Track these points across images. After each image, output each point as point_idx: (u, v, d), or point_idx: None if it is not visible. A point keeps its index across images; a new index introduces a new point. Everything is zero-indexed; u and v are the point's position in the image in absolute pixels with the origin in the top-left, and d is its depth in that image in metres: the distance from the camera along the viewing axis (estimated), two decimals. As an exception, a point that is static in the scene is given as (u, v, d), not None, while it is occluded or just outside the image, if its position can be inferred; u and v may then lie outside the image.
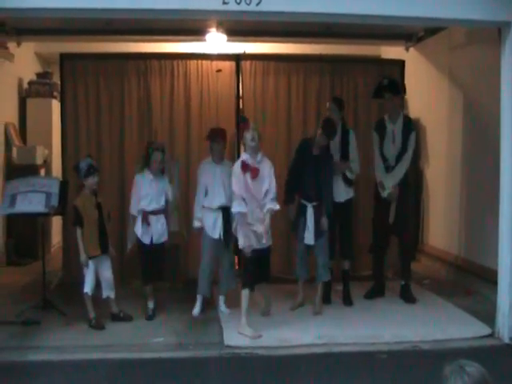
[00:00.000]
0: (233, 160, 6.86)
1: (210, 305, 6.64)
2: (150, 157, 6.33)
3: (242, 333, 5.81)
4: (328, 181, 6.56)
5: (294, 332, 5.91)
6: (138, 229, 6.34)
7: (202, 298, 6.44)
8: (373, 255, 7.31)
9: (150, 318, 6.37)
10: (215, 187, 6.38)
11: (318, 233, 6.44)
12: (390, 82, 7.08)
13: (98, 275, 6.18)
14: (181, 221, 7.04)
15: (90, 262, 6.09)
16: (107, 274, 6.24)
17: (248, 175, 5.86)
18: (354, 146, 6.92)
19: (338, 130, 6.82)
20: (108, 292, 6.25)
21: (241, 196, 5.83)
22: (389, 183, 6.95)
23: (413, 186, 7.40)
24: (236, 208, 5.86)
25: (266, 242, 5.90)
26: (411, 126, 7.08)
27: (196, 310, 6.41)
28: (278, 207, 5.97)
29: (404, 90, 7.15)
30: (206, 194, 6.41)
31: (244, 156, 6.02)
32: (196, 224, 6.48)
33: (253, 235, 5.88)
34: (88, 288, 6.09)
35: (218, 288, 6.71)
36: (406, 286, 7.11)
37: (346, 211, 6.92)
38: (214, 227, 6.40)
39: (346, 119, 7.21)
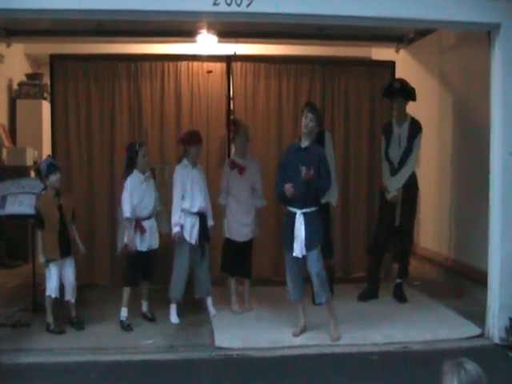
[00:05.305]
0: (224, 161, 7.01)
1: (200, 307, 6.61)
2: (137, 154, 6.14)
3: (232, 310, 6.60)
4: (326, 170, 5.73)
5: (285, 333, 5.90)
6: (130, 236, 6.09)
7: (176, 305, 6.39)
8: (371, 256, 7.28)
9: (127, 327, 6.11)
10: (195, 191, 6.32)
11: (308, 244, 5.65)
12: (402, 86, 6.99)
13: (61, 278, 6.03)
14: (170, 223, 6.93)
15: (52, 265, 5.95)
16: (70, 277, 6.06)
17: (236, 171, 6.55)
18: (329, 148, 6.67)
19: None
20: (69, 296, 6.11)
21: (224, 190, 6.61)
22: (392, 186, 6.97)
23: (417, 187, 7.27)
24: (219, 200, 6.66)
25: (250, 235, 6.61)
26: (418, 128, 7.04)
27: (174, 318, 6.35)
28: (264, 203, 6.71)
29: (415, 96, 7.04)
30: (183, 198, 6.31)
31: (233, 156, 6.79)
32: (176, 229, 6.27)
33: (237, 226, 6.56)
34: (51, 291, 5.95)
35: (196, 291, 6.57)
36: (400, 284, 7.15)
37: (324, 214, 6.78)
38: (191, 232, 6.32)
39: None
